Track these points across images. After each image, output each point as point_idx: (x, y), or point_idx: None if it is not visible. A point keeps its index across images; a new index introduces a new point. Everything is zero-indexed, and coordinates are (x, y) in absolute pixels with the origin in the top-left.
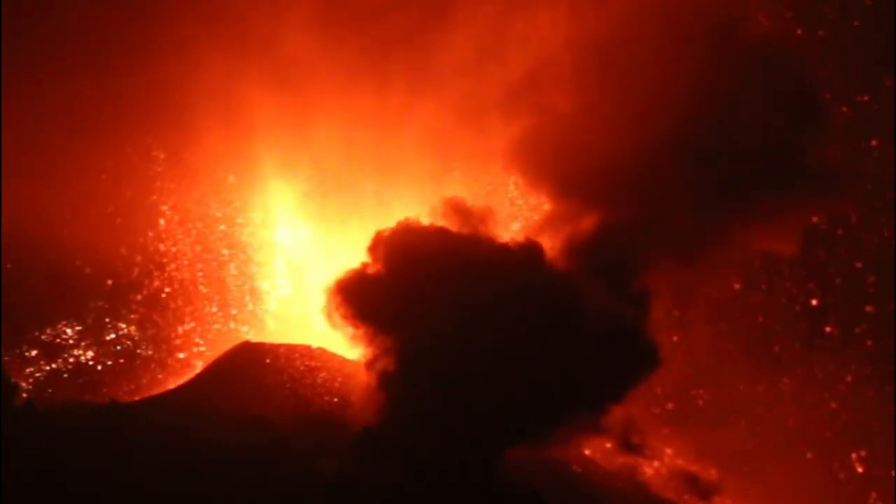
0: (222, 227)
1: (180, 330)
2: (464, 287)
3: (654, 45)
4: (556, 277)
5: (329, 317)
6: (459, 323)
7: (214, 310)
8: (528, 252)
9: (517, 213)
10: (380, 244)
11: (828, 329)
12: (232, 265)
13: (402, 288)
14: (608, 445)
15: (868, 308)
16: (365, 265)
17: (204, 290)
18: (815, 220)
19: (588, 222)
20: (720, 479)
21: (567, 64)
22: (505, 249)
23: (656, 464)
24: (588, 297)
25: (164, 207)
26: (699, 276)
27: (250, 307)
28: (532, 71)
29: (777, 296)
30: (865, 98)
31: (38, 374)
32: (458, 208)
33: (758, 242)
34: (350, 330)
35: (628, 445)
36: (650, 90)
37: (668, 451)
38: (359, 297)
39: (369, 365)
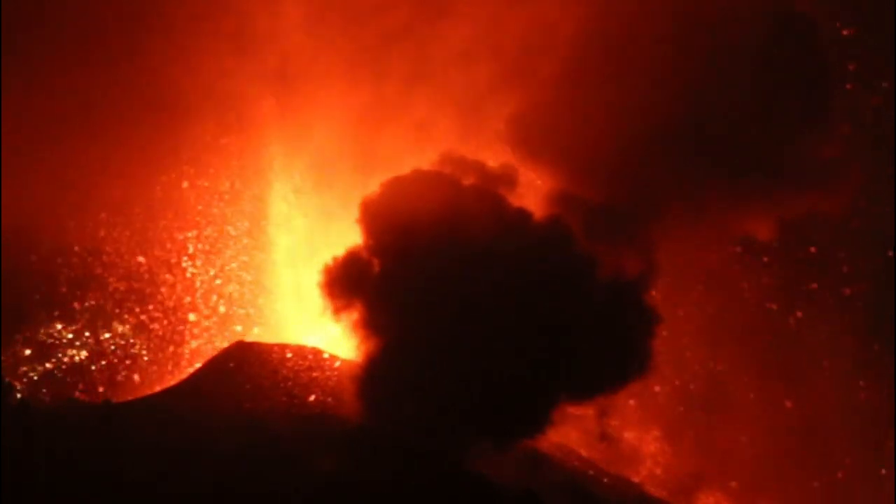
0: (217, 226)
1: (174, 329)
2: (465, 258)
3: (656, 25)
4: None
5: (331, 314)
6: (458, 296)
7: (209, 309)
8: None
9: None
10: (368, 212)
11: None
12: (226, 264)
13: (395, 261)
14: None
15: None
16: (357, 246)
17: (198, 290)
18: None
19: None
20: (716, 478)
21: (566, 44)
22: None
23: (650, 462)
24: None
25: (160, 207)
26: (690, 260)
27: (245, 306)
28: (530, 48)
29: (770, 288)
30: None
31: (32, 374)
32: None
33: (743, 227)
34: (347, 321)
35: (604, 434)
36: (650, 67)
37: (665, 450)
38: (352, 281)
39: (363, 351)
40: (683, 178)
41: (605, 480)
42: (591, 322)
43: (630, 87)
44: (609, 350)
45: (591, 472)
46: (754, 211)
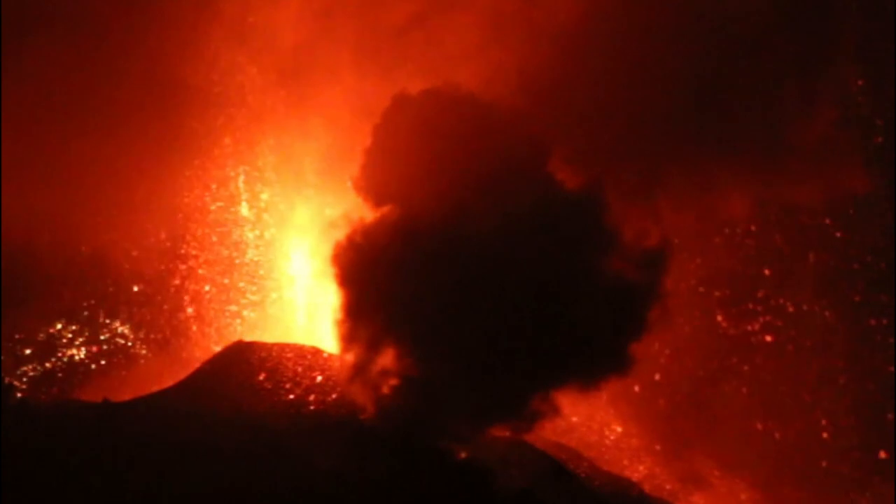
0: (217, 224)
1: (174, 329)
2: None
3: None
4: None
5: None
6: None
7: (209, 308)
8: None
9: None
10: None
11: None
12: (226, 263)
13: (392, 240)
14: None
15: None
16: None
17: (197, 289)
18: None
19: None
20: (714, 477)
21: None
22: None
23: (649, 462)
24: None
25: (160, 206)
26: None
27: (244, 306)
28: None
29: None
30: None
31: (31, 374)
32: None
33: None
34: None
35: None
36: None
37: (661, 449)
38: (356, 271)
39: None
40: (679, 152)
41: (605, 480)
42: (599, 309)
43: (631, 68)
44: (612, 341)
45: (590, 472)
46: (745, 192)
